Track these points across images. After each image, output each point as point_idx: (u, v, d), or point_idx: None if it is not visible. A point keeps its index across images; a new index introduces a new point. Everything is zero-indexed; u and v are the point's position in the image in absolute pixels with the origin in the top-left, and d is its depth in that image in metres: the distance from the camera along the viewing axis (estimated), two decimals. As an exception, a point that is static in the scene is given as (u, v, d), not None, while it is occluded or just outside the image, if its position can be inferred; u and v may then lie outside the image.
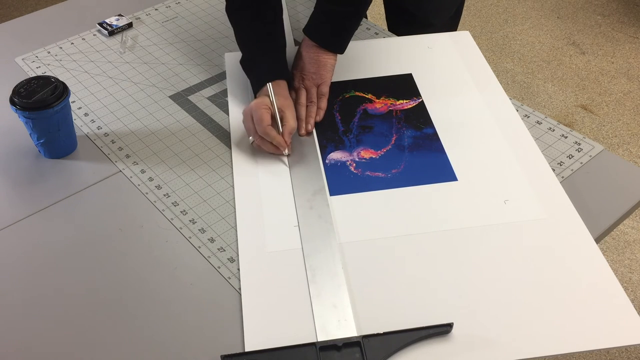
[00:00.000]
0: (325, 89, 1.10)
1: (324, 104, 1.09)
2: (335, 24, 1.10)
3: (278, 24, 1.11)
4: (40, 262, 0.87)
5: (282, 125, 0.99)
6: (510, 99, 1.12)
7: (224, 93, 1.15)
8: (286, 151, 0.99)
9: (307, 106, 1.07)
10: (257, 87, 1.06)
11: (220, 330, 0.79)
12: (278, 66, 1.07)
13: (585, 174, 1.00)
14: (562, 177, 0.99)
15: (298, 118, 1.05)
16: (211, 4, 1.38)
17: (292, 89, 1.10)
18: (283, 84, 1.06)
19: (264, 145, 1.00)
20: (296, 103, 1.07)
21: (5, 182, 0.99)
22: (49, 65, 1.22)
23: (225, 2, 1.12)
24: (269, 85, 1.00)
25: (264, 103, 0.99)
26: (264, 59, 1.07)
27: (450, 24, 1.46)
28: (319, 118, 1.07)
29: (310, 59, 1.10)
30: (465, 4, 1.48)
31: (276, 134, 0.98)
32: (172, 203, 0.95)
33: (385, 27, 1.46)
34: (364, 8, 1.11)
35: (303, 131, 1.05)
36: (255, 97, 1.06)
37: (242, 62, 1.11)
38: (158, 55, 1.24)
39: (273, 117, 0.99)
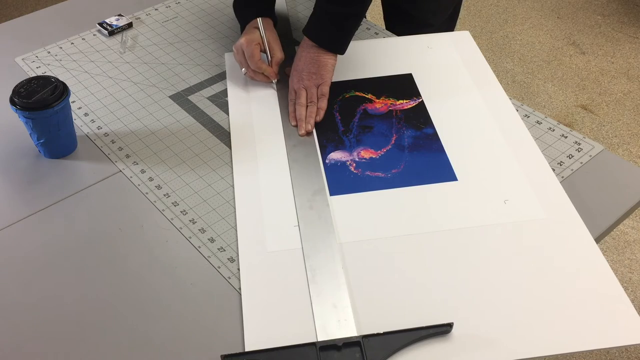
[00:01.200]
0: (326, 89, 1.10)
1: (324, 104, 1.09)
2: (336, 24, 1.10)
3: None
4: (40, 262, 0.87)
5: (270, 57, 1.12)
6: (510, 99, 1.12)
7: (224, 93, 1.15)
8: (274, 80, 1.12)
9: (307, 106, 1.08)
10: (244, 22, 1.16)
11: (220, 330, 0.79)
12: (266, 8, 1.18)
13: (585, 174, 1.00)
14: (562, 177, 0.99)
15: (298, 118, 1.06)
16: (211, 4, 1.38)
17: (292, 89, 1.11)
18: (269, 21, 1.17)
19: (256, 76, 1.13)
20: (296, 103, 1.08)
21: (5, 182, 0.99)
22: (49, 65, 1.22)
23: None
24: (259, 21, 1.12)
25: (254, 39, 1.10)
26: (254, 2, 1.17)
27: (447, 24, 1.45)
28: (318, 118, 1.07)
29: (311, 59, 1.10)
30: (465, 4, 1.48)
31: (267, 66, 1.11)
32: (172, 203, 0.95)
33: (385, 27, 1.46)
34: (364, 8, 1.11)
35: (303, 131, 1.05)
36: (241, 32, 1.16)
37: (234, 4, 1.22)
38: (158, 55, 1.24)
39: (263, 51, 1.12)
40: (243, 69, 1.13)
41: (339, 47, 1.12)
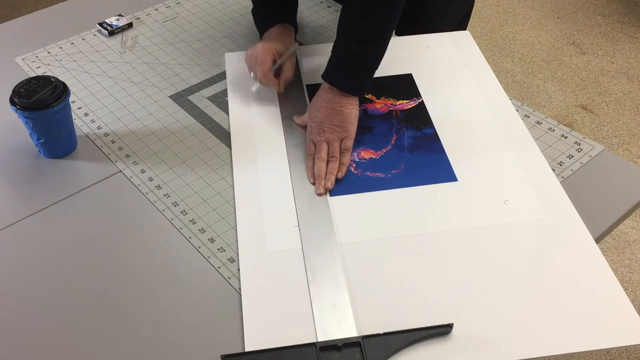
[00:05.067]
0: (350, 144, 1.01)
1: (347, 159, 1.00)
2: (358, 63, 1.02)
3: None
4: (40, 262, 0.87)
5: (280, 73, 1.10)
6: (510, 99, 1.12)
7: (224, 93, 1.15)
8: (277, 90, 1.10)
9: (327, 161, 0.99)
10: (263, 29, 1.16)
11: (220, 330, 0.79)
12: (288, 15, 1.17)
13: (585, 174, 1.00)
14: (562, 177, 0.99)
15: (317, 175, 0.97)
16: (211, 4, 1.38)
17: (310, 142, 1.02)
18: (289, 32, 1.15)
19: (262, 80, 1.09)
20: (316, 158, 0.99)
21: (5, 182, 0.99)
22: (49, 65, 1.22)
23: None
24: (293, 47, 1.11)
25: (271, 48, 1.08)
26: (275, 9, 1.17)
27: (457, 29, 1.43)
28: (340, 174, 0.98)
29: (332, 110, 1.02)
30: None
31: (273, 79, 1.08)
32: (172, 203, 0.95)
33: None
34: (385, 44, 1.03)
35: (322, 190, 0.95)
36: (261, 38, 1.16)
37: (253, 11, 1.22)
38: (158, 55, 1.24)
39: (274, 62, 1.08)
40: (252, 74, 1.10)
41: (360, 88, 1.03)
